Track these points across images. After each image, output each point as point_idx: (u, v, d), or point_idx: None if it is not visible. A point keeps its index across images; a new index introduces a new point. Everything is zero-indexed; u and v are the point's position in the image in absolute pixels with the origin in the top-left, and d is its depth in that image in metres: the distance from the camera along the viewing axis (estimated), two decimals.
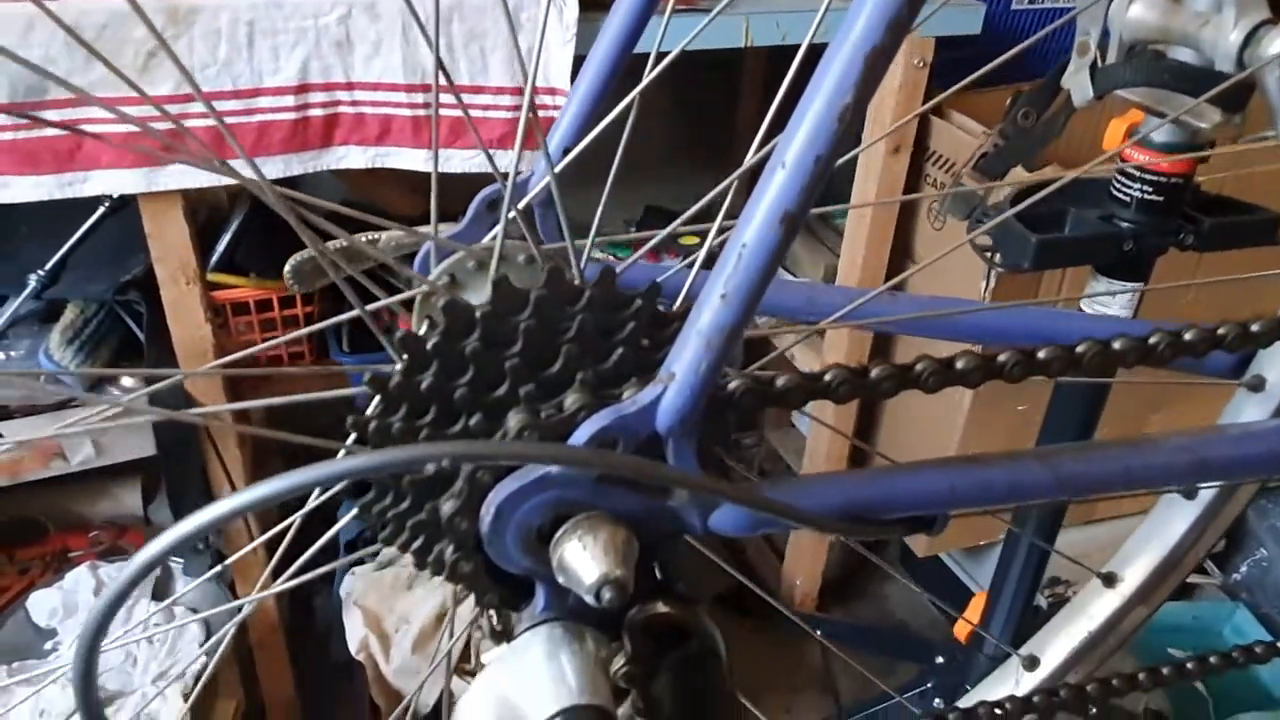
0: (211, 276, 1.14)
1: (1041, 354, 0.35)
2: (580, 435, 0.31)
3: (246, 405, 0.44)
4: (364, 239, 0.43)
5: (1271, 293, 0.56)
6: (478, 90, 1.04)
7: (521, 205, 0.41)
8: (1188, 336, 0.38)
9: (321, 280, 0.43)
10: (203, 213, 1.21)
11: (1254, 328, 0.39)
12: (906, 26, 0.26)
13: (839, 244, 1.32)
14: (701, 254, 0.37)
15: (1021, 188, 0.90)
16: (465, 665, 1.04)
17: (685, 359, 0.29)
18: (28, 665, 1.14)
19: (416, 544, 0.33)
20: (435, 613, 1.17)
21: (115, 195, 1.09)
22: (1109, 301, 0.84)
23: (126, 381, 1.13)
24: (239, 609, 0.44)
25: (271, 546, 0.43)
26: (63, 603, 1.16)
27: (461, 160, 1.05)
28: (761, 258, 0.27)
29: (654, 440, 0.30)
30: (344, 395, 0.34)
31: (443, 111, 1.05)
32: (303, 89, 1.00)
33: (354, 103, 1.03)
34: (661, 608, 0.34)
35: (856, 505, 0.34)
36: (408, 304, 0.39)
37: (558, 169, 0.37)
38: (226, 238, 1.17)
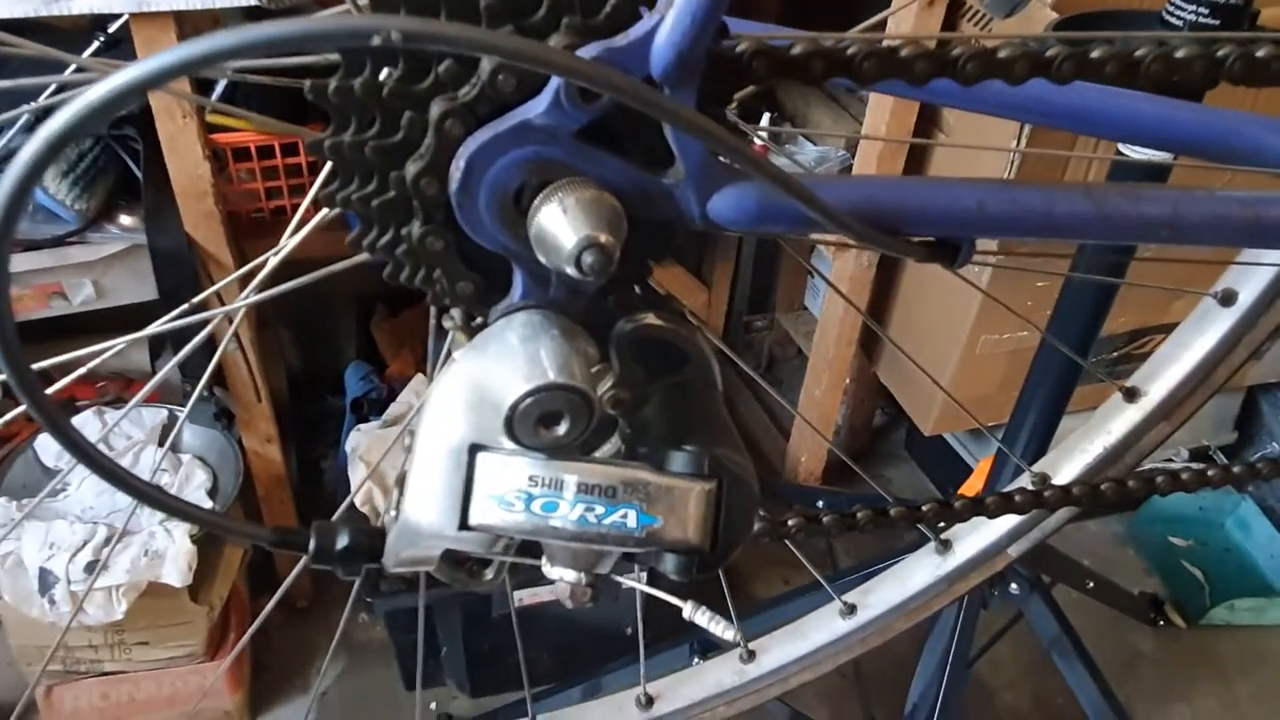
0: (211, 117, 1.10)
1: (1095, 53, 0.31)
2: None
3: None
4: None
5: None
6: None
7: None
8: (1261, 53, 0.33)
9: None
10: None
11: None
12: None
13: (863, 111, 1.25)
14: None
15: (1063, 18, 0.84)
16: None
17: None
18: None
19: (386, 237, 0.30)
20: None
21: (110, 31, 1.04)
22: None
23: (125, 220, 1.10)
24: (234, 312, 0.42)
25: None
26: None
27: None
28: None
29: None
30: None
31: None
32: None
33: None
34: (653, 319, 0.31)
35: (879, 209, 0.31)
36: None
37: None
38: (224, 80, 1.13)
